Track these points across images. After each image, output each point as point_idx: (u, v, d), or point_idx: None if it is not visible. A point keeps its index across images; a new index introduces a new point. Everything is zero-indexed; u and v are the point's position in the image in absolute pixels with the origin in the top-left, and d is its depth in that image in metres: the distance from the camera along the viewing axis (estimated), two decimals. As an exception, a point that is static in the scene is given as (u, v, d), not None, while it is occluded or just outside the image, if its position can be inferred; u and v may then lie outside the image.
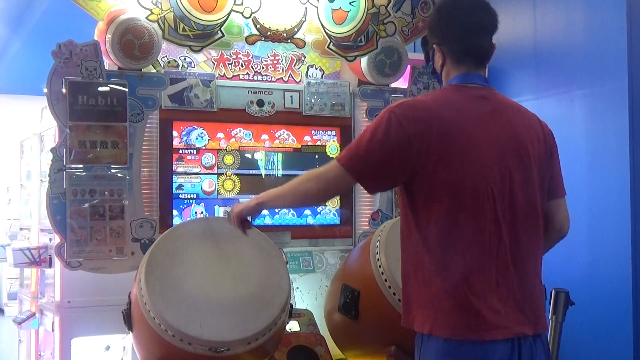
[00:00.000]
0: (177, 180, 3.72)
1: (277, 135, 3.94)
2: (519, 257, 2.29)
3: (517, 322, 2.25)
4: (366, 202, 4.08)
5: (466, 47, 2.36)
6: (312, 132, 4.02)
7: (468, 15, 2.36)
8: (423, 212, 2.26)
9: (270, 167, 3.93)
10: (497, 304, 2.22)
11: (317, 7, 3.88)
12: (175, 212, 3.70)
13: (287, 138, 3.96)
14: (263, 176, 3.92)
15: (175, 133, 3.71)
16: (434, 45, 2.42)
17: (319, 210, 4.02)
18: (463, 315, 2.21)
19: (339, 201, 4.06)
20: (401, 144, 2.19)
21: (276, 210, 3.89)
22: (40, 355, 4.39)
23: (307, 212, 3.98)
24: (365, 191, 2.39)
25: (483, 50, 2.39)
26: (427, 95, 2.41)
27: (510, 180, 2.27)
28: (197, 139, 3.77)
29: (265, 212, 3.83)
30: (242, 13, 3.73)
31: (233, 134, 3.85)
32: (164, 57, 3.78)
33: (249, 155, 3.89)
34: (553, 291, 3.85)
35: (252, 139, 3.89)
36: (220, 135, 3.82)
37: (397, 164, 2.22)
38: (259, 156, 3.92)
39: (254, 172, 3.91)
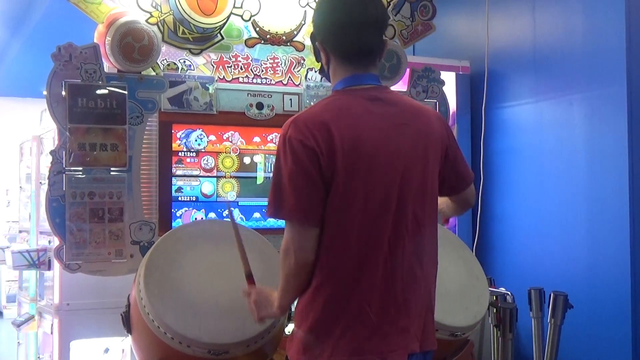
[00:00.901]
0: (176, 182, 3.72)
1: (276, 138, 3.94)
2: (417, 270, 2.22)
3: (410, 339, 2.20)
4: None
5: (350, 44, 2.21)
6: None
7: (349, 9, 2.19)
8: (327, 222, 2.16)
9: (270, 170, 3.94)
10: (399, 320, 2.17)
11: (316, 10, 3.88)
12: (175, 214, 3.70)
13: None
14: (262, 179, 3.93)
15: (174, 135, 3.72)
16: (317, 43, 2.28)
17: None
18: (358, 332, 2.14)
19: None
20: (314, 163, 2.09)
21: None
22: (39, 357, 4.39)
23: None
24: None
25: (368, 47, 2.23)
26: (318, 106, 2.23)
27: (409, 182, 2.18)
28: (196, 141, 3.77)
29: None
30: (241, 16, 3.73)
31: (232, 137, 3.85)
32: (163, 60, 3.78)
33: (248, 158, 3.89)
34: (552, 294, 3.87)
35: (252, 141, 3.89)
36: (220, 137, 3.82)
37: (321, 185, 2.12)
38: (258, 159, 3.92)
39: (253, 174, 3.91)
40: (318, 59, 2.35)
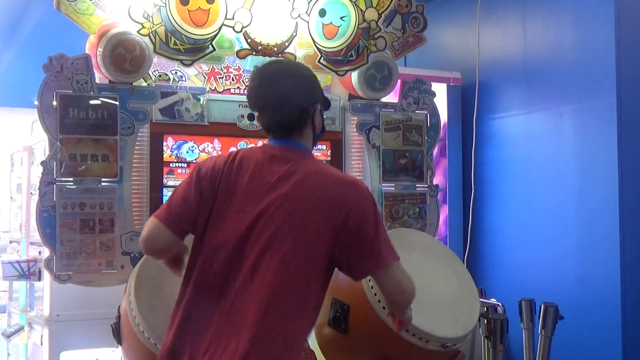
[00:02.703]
0: (167, 193, 3.72)
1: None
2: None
3: None
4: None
5: (268, 121, 2.43)
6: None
7: (266, 90, 2.40)
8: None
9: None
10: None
11: (307, 22, 3.89)
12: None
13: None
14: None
15: (165, 146, 3.72)
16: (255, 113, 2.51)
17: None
18: None
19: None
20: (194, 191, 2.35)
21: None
22: (29, 369, 4.37)
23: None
24: None
25: (284, 123, 2.41)
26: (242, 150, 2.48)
27: (260, 231, 2.27)
28: (187, 152, 3.78)
29: None
30: (233, 27, 3.74)
31: (224, 147, 3.85)
32: (155, 70, 3.79)
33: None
34: (542, 305, 3.87)
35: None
36: (211, 148, 3.83)
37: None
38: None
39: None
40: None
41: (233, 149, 3.79)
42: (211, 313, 2.26)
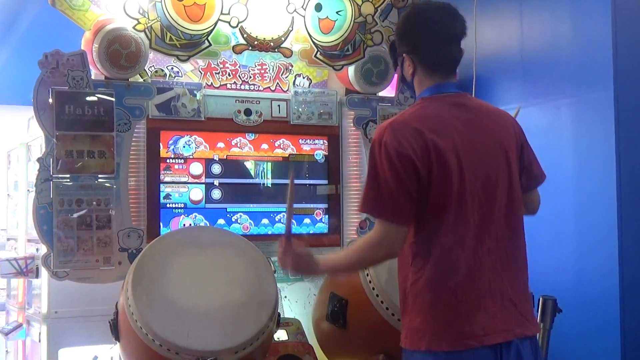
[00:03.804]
0: (164, 189, 3.72)
1: (265, 145, 3.95)
2: (508, 260, 2.34)
3: (511, 325, 2.29)
4: (354, 211, 4.08)
5: (438, 57, 2.39)
6: (300, 141, 4.03)
7: (438, 24, 2.37)
8: (415, 224, 2.30)
9: (260, 176, 3.94)
10: (491, 307, 2.27)
11: (304, 17, 3.90)
12: (162, 222, 3.69)
13: (276, 147, 3.97)
14: (251, 185, 3.93)
15: (162, 142, 3.71)
16: (404, 54, 2.43)
17: (307, 219, 4.02)
18: (454, 324, 2.24)
19: (326, 210, 4.06)
20: (408, 170, 2.23)
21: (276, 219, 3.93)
22: (27, 366, 4.38)
23: (294, 221, 3.99)
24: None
25: (454, 59, 2.43)
26: (407, 112, 2.39)
27: (495, 185, 2.32)
28: (184, 147, 3.77)
29: (265, 221, 3.96)
30: (229, 22, 3.74)
31: (220, 143, 3.85)
32: (151, 66, 3.79)
33: (236, 165, 3.89)
34: (541, 298, 3.86)
35: (241, 147, 3.90)
36: (208, 144, 3.82)
37: (414, 190, 2.25)
38: (248, 165, 3.92)
39: (242, 181, 3.91)
40: (396, 67, 2.52)
41: (221, 144, 3.80)
42: None
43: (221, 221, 3.83)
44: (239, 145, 3.89)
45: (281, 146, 3.99)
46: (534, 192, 2.60)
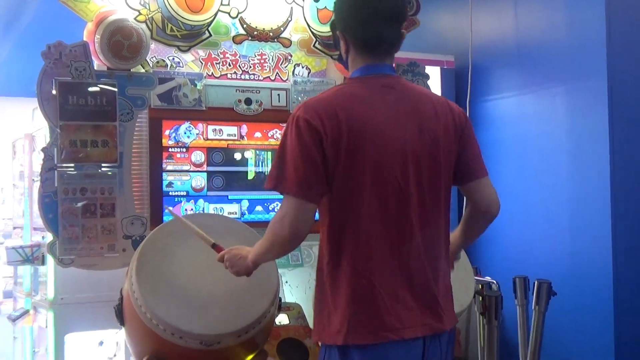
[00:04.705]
0: (167, 177, 3.78)
1: (266, 133, 4.01)
2: (427, 250, 2.26)
3: (430, 319, 2.23)
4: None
5: (365, 36, 2.29)
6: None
7: (367, 3, 2.27)
8: (329, 213, 2.23)
9: (260, 165, 3.99)
10: (410, 300, 2.21)
11: (302, 7, 3.95)
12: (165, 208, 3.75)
13: (276, 135, 4.03)
14: (253, 174, 3.99)
15: (164, 132, 3.77)
16: (338, 32, 2.35)
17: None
18: (372, 317, 2.17)
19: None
20: (316, 143, 2.15)
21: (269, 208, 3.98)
22: (35, 351, 4.43)
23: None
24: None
25: (387, 40, 2.30)
26: (330, 91, 2.31)
27: (416, 170, 2.23)
28: (185, 134, 3.82)
29: (259, 208, 3.97)
30: (229, 13, 3.79)
31: (222, 132, 3.91)
32: (152, 57, 3.83)
33: (238, 153, 3.95)
34: (536, 282, 3.93)
35: (241, 136, 3.95)
36: (209, 133, 3.88)
37: (321, 162, 2.17)
38: (249, 154, 3.97)
39: (243, 169, 3.97)
40: (337, 47, 2.42)
41: (221, 133, 3.84)
42: None
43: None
44: (239, 134, 3.95)
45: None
46: (482, 188, 2.41)
